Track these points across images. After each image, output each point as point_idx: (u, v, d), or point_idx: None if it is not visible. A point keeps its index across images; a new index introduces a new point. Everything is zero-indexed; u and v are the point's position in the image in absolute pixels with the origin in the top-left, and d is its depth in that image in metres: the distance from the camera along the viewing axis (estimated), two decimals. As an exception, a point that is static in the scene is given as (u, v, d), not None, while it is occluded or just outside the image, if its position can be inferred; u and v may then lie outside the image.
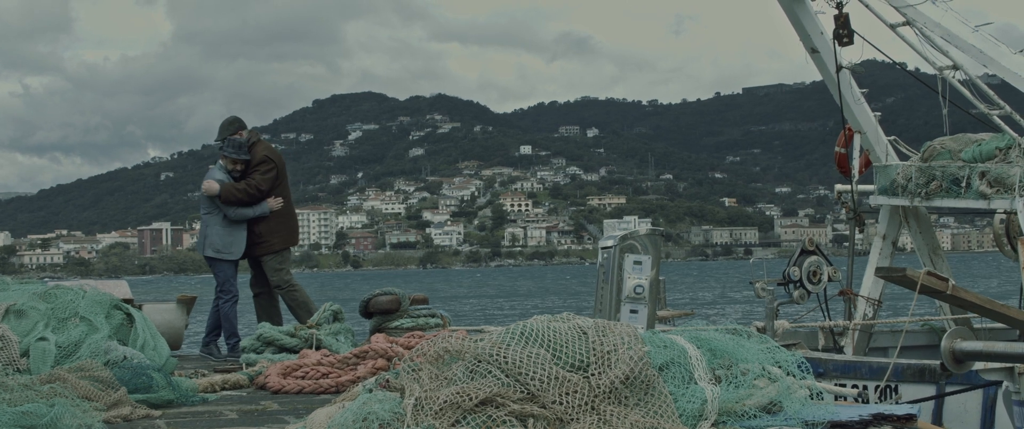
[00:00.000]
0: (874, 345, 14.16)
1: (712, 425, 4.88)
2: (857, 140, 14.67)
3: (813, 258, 13.19)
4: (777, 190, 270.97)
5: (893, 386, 10.26)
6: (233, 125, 11.86)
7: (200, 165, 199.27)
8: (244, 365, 9.77)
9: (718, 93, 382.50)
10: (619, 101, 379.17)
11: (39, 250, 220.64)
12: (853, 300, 14.19)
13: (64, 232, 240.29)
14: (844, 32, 13.41)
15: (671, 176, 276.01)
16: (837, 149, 15.06)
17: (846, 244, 15.91)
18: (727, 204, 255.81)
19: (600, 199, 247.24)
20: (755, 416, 4.95)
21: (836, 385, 10.50)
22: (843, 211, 15.12)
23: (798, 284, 13.13)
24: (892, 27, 13.47)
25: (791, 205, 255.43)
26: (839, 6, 13.42)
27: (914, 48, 13.49)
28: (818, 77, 14.69)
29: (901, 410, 5.10)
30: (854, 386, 10.47)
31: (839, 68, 13.85)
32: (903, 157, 14.59)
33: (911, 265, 15.66)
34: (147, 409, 7.28)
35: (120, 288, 11.59)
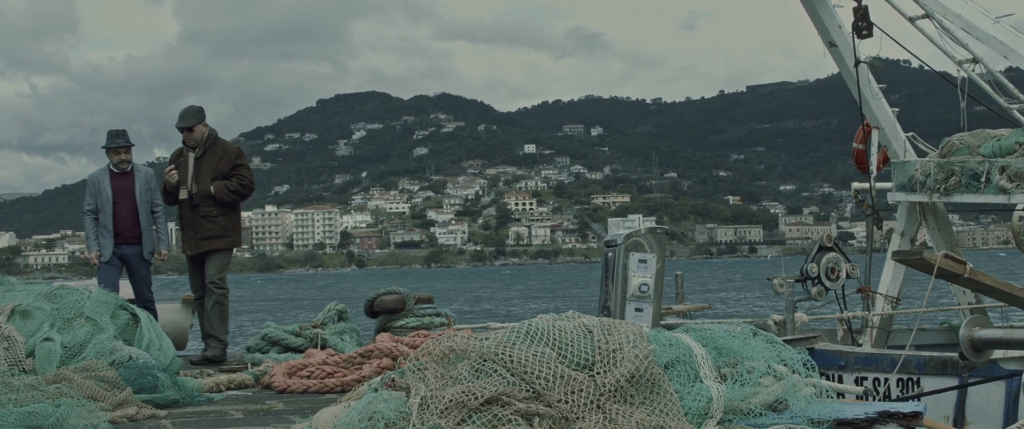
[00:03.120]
0: (893, 343, 14.10)
1: (718, 423, 4.88)
2: (875, 136, 14.57)
3: (831, 254, 13.13)
4: (781, 188, 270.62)
5: (915, 379, 10.21)
6: (199, 114, 11.37)
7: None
8: (249, 365, 9.78)
9: (722, 91, 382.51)
10: (623, 99, 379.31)
11: (44, 250, 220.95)
12: (871, 297, 14.11)
13: (69, 232, 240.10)
14: (863, 25, 13.34)
15: (675, 174, 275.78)
16: (855, 145, 14.97)
17: (851, 242, 15.88)
18: (731, 202, 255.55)
19: (604, 198, 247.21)
20: (761, 414, 4.94)
21: (857, 378, 10.48)
22: (860, 208, 15.00)
23: (816, 280, 13.07)
24: (911, 20, 13.41)
25: (795, 203, 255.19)
26: None
27: (933, 41, 13.42)
28: (823, 74, 14.79)
29: (907, 407, 5.09)
30: (875, 379, 10.44)
31: (857, 62, 13.80)
32: (921, 153, 14.52)
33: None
34: (153, 409, 7.29)
35: (125, 288, 11.60)
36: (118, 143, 11.31)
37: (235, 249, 11.68)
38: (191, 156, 11.33)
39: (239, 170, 11.32)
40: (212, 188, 11.17)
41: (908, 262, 10.39)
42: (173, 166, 11.39)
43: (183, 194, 11.28)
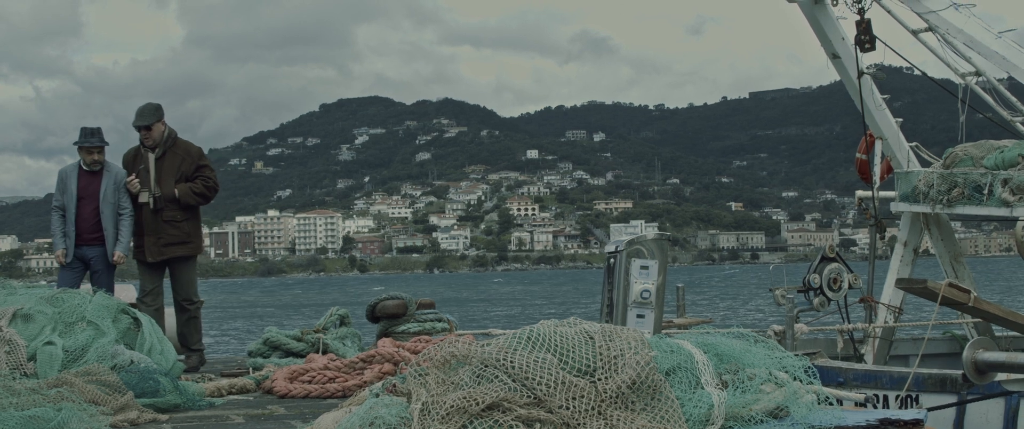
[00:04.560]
0: (895, 353, 14.09)
1: (719, 430, 4.88)
2: (878, 146, 14.58)
3: (834, 265, 13.10)
4: (783, 194, 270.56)
5: (914, 396, 10.22)
6: (157, 112, 10.90)
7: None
8: (251, 369, 9.78)
9: (725, 97, 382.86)
10: (626, 105, 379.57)
11: (46, 254, 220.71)
12: (874, 308, 14.09)
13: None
14: (866, 38, 13.38)
15: (678, 180, 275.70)
16: (858, 155, 14.99)
17: (853, 248, 15.88)
18: (734, 208, 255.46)
19: (607, 203, 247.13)
20: (762, 421, 4.94)
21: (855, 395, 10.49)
22: (863, 216, 14.99)
23: (818, 291, 13.05)
24: (914, 33, 13.46)
25: (797, 209, 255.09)
26: (861, 12, 13.38)
27: (936, 53, 13.46)
28: (825, 82, 14.84)
29: (908, 415, 5.09)
30: (874, 395, 10.45)
31: (861, 74, 13.82)
32: (924, 164, 14.52)
33: (932, 271, 15.56)
34: (154, 413, 7.30)
35: (127, 292, 11.60)
36: (91, 142, 10.88)
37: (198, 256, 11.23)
38: (151, 157, 10.85)
39: (203, 172, 10.96)
40: (177, 191, 10.74)
41: (913, 290, 10.36)
42: (134, 175, 10.88)
43: (145, 198, 10.76)
